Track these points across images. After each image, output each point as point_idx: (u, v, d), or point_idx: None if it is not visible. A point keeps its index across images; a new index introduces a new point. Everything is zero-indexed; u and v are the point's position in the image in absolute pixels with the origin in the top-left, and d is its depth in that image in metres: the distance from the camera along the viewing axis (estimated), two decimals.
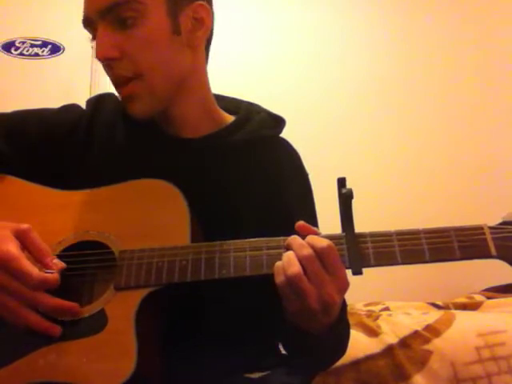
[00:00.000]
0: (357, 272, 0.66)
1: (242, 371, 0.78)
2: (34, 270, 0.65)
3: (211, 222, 0.77)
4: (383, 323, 1.31)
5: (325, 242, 0.65)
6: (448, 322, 1.28)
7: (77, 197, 0.80)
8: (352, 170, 2.05)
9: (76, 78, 2.05)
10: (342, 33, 2.26)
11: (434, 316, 1.32)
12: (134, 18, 0.76)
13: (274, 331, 0.86)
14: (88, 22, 0.79)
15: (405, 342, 1.23)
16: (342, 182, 0.69)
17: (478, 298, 1.62)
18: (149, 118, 0.82)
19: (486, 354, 1.19)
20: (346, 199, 0.68)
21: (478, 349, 1.20)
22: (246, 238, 0.71)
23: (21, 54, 2.09)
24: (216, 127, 0.88)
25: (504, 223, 0.68)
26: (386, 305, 1.53)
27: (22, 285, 0.65)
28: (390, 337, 1.24)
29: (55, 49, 2.11)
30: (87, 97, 0.94)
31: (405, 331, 1.25)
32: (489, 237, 0.67)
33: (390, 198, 2.05)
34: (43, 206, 0.80)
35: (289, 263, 0.64)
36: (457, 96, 2.20)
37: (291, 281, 0.63)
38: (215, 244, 0.71)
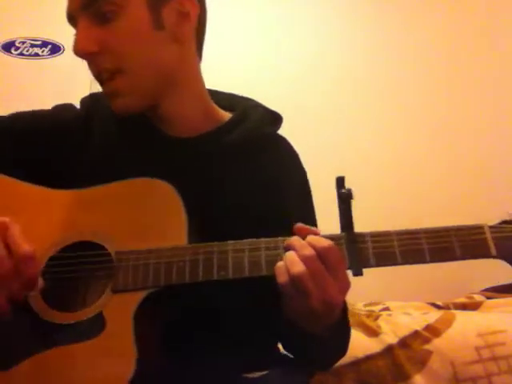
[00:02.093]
0: (357, 273, 0.66)
1: (241, 371, 0.78)
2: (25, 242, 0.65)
3: (206, 223, 0.76)
4: (383, 323, 1.31)
5: (326, 242, 0.65)
6: (448, 322, 1.28)
7: (70, 196, 0.79)
8: (351, 167, 2.05)
9: (76, 77, 2.04)
10: (340, 30, 2.26)
11: (434, 316, 1.32)
12: (114, 11, 0.75)
13: (273, 331, 0.86)
14: (71, 19, 0.79)
15: (405, 342, 1.23)
16: (340, 182, 0.69)
17: (478, 298, 1.62)
18: (132, 114, 0.81)
19: (486, 353, 1.19)
20: (345, 199, 0.67)
21: (477, 349, 1.20)
22: (243, 239, 0.71)
23: (21, 54, 2.09)
24: (213, 125, 0.86)
25: (505, 222, 0.68)
26: (386, 305, 1.52)
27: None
28: (389, 337, 1.24)
29: (55, 49, 2.10)
30: None
31: (405, 331, 1.25)
32: (489, 236, 0.66)
33: (388, 196, 2.05)
34: (36, 206, 0.78)
35: (292, 263, 0.64)
36: (455, 92, 2.20)
37: (295, 280, 0.63)
38: (213, 245, 0.70)
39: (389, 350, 1.21)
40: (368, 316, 1.37)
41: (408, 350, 1.21)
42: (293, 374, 0.80)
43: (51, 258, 0.73)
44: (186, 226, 0.72)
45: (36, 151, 0.85)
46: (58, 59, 2.11)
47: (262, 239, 0.70)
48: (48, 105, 0.95)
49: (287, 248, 0.67)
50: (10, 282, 0.64)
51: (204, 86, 0.89)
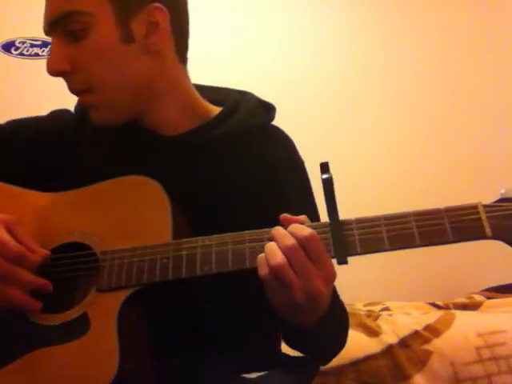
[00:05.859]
0: (341, 261, 0.63)
1: (240, 371, 0.77)
2: (12, 241, 0.67)
3: (196, 222, 0.75)
4: (383, 323, 1.31)
5: (307, 231, 0.62)
6: (448, 322, 1.28)
7: (59, 198, 0.79)
8: (349, 161, 2.06)
9: None
10: (338, 27, 2.26)
11: (434, 316, 1.32)
12: (83, 29, 0.74)
13: (272, 330, 0.86)
14: (47, 35, 0.79)
15: (405, 342, 1.23)
16: (324, 167, 0.66)
17: (478, 297, 1.62)
18: (113, 126, 0.82)
19: (486, 354, 1.19)
20: (326, 185, 0.65)
21: (477, 349, 1.20)
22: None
23: (21, 54, 2.09)
24: (202, 121, 0.85)
25: (501, 200, 0.62)
26: (386, 305, 1.52)
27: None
28: (390, 337, 1.24)
29: None
30: None
31: (405, 331, 1.25)
32: (483, 216, 0.61)
33: (385, 187, 2.05)
34: (26, 209, 0.79)
35: (271, 254, 0.61)
36: (449, 90, 2.21)
37: (275, 272, 0.61)
38: (197, 240, 0.69)
39: (389, 349, 1.21)
40: (368, 316, 1.37)
41: (408, 350, 1.21)
42: (293, 374, 0.79)
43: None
44: (170, 224, 0.71)
45: (35, 157, 0.87)
46: None
47: (247, 231, 0.68)
48: (48, 105, 0.95)
49: (270, 239, 0.64)
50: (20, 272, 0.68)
51: (190, 87, 0.87)
